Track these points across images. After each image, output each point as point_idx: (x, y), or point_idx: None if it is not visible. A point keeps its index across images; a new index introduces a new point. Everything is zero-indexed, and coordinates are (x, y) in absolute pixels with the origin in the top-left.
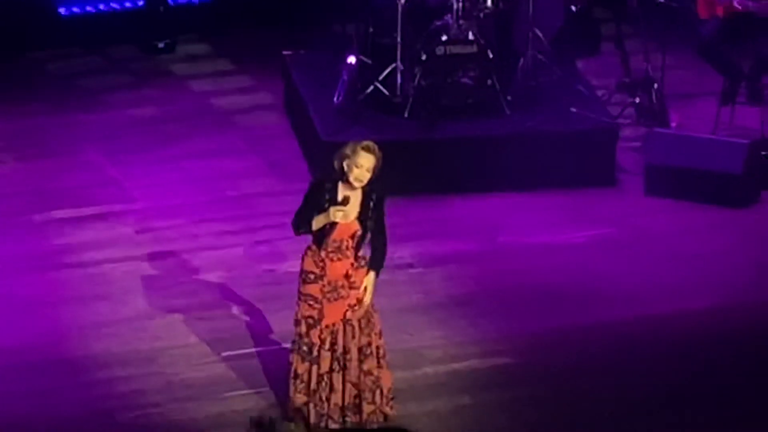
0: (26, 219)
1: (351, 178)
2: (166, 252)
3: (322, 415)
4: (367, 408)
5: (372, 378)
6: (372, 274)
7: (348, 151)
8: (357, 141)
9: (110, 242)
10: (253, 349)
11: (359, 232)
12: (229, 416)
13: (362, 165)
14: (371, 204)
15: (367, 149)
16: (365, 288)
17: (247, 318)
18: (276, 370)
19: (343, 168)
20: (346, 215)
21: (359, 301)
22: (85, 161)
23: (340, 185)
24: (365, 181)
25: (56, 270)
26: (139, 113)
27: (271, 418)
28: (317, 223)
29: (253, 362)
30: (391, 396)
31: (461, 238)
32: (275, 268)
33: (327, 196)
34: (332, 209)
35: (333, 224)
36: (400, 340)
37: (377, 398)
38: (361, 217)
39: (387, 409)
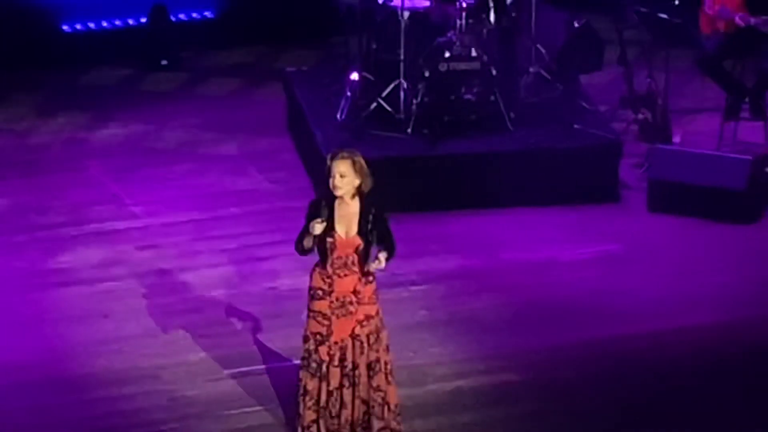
0: (29, 236)
1: (332, 188)
2: (168, 269)
3: None
4: (376, 424)
5: (381, 394)
6: (384, 253)
7: (327, 170)
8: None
9: (112, 260)
10: (257, 367)
11: (362, 246)
12: None
13: (337, 172)
14: (370, 217)
15: (335, 156)
16: (377, 261)
17: (251, 335)
18: (280, 387)
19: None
20: (323, 227)
21: (367, 317)
22: (87, 178)
23: (336, 202)
24: (344, 187)
25: (58, 287)
26: (140, 130)
27: None
28: (307, 241)
29: (257, 379)
30: (397, 412)
31: (464, 255)
32: (277, 285)
33: (325, 214)
34: (312, 222)
35: (334, 241)
36: (404, 357)
37: (385, 414)
38: (362, 231)
39: (395, 425)
